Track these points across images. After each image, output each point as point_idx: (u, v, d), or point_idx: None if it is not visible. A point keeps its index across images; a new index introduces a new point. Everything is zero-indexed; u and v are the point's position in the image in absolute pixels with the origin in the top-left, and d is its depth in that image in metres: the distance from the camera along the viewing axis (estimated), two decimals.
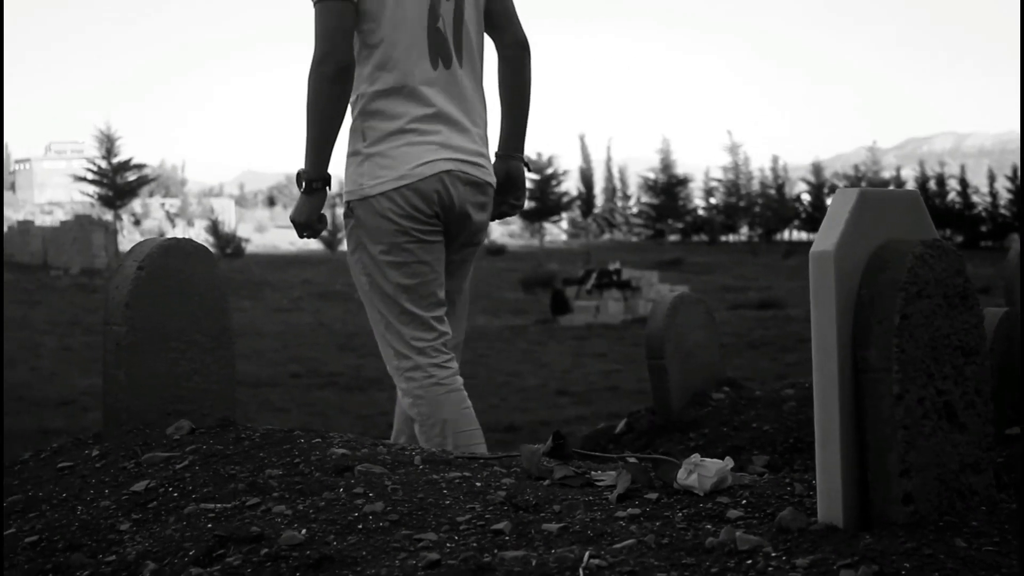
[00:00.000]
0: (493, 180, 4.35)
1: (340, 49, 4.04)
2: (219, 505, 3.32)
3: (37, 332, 27.27)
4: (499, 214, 4.52)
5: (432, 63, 4.17)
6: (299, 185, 4.25)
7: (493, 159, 4.46)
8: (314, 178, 4.19)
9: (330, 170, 4.28)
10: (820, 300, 2.67)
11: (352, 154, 4.27)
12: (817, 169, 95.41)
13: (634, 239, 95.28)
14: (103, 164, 70.93)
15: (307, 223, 4.30)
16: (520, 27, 4.40)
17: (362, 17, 4.14)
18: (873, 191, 2.76)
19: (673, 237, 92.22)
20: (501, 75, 4.43)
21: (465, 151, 4.21)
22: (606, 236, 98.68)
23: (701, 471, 3.11)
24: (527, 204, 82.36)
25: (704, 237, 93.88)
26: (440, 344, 4.29)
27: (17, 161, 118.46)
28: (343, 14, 4.05)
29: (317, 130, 4.12)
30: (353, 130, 4.27)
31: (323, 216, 4.31)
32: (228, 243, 65.36)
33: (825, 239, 2.67)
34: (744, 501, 3.01)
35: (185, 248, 4.37)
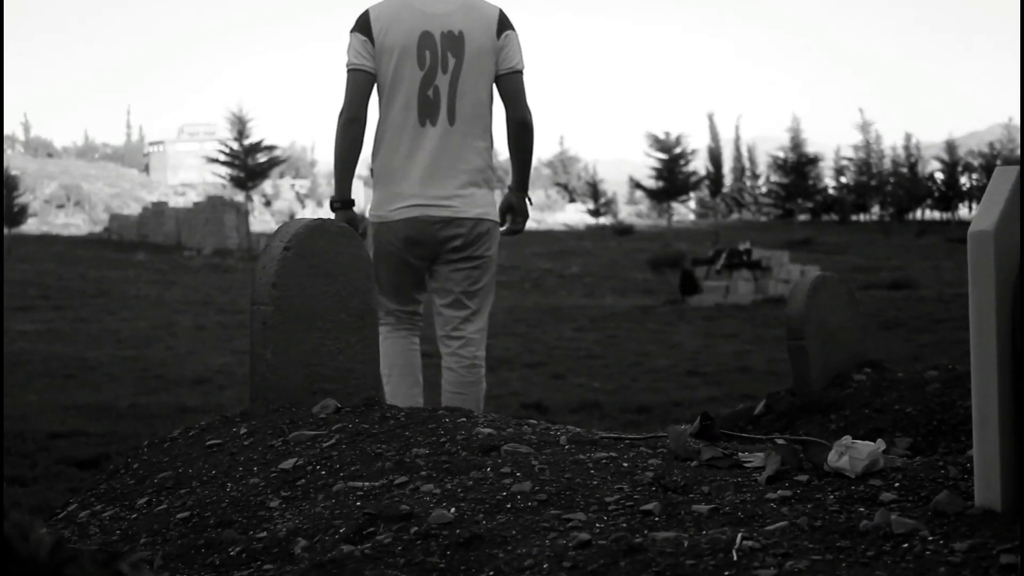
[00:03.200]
0: (469, 213, 5.41)
1: (353, 106, 5.36)
2: (367, 483, 3.35)
3: (172, 312, 27.72)
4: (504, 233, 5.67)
5: (420, 122, 5.36)
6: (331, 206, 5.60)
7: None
8: (335, 199, 5.52)
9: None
10: (979, 280, 2.62)
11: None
12: (951, 147, 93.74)
13: (763, 219, 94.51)
14: (235, 146, 71.91)
15: None
16: (523, 107, 5.47)
17: (378, 84, 5.43)
18: None
19: (803, 216, 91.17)
20: (508, 140, 5.56)
21: (436, 196, 5.38)
22: (734, 216, 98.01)
23: (853, 453, 3.08)
24: (656, 184, 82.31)
25: (835, 216, 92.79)
26: (401, 313, 5.58)
27: (151, 143, 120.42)
28: (359, 81, 5.37)
29: (337, 164, 5.47)
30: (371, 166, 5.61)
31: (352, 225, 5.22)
32: (357, 224, 65.93)
33: (984, 218, 2.62)
34: (897, 484, 2.97)
35: (330, 229, 4.42)
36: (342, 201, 5.50)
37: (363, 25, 5.39)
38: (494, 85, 5.48)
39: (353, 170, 5.50)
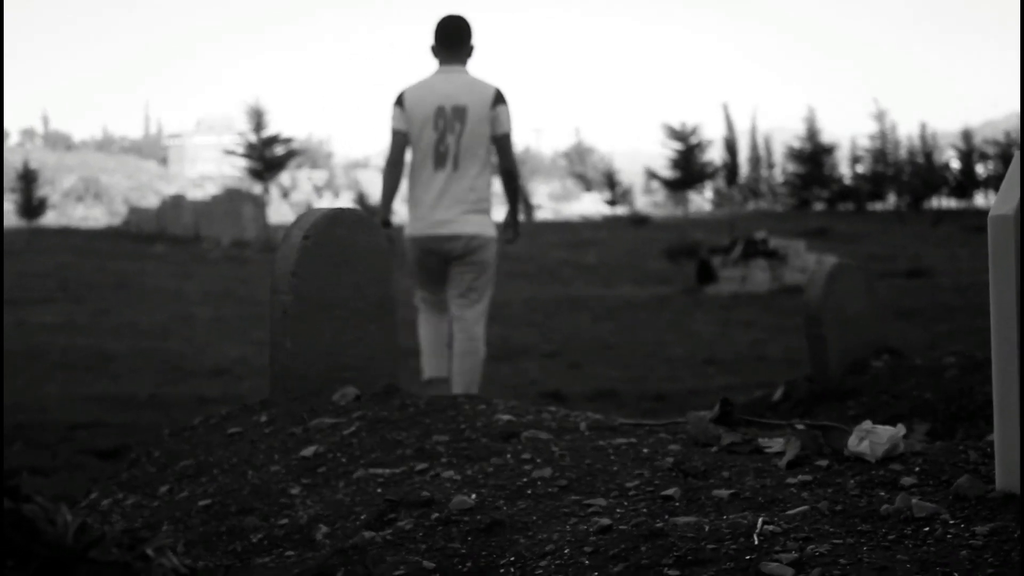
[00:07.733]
0: (465, 231, 7.20)
1: (394, 155, 7.34)
2: (388, 470, 3.36)
3: (190, 303, 27.74)
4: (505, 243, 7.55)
5: (435, 167, 7.22)
6: None
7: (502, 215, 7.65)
8: (381, 219, 7.18)
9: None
10: (999, 264, 2.61)
11: None
12: (967, 136, 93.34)
13: (779, 208, 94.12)
14: (252, 138, 71.98)
15: None
16: (509, 159, 7.35)
17: (411, 141, 7.28)
18: None
19: (819, 206, 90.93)
20: (501, 181, 7.48)
21: (442, 219, 7.18)
22: (751, 205, 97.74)
23: (873, 438, 3.08)
24: (672, 174, 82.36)
25: (850, 205, 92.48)
26: (432, 299, 7.37)
27: (169, 136, 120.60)
28: (397, 139, 7.31)
29: (383, 192, 7.46)
30: None
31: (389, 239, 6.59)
32: (374, 214, 65.94)
33: (1005, 202, 2.62)
34: (917, 468, 2.97)
35: (350, 217, 4.43)
36: (383, 221, 7.20)
37: (400, 101, 7.33)
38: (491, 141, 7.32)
39: (393, 197, 7.41)
